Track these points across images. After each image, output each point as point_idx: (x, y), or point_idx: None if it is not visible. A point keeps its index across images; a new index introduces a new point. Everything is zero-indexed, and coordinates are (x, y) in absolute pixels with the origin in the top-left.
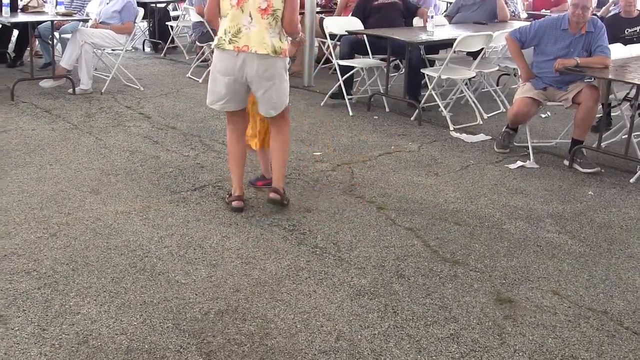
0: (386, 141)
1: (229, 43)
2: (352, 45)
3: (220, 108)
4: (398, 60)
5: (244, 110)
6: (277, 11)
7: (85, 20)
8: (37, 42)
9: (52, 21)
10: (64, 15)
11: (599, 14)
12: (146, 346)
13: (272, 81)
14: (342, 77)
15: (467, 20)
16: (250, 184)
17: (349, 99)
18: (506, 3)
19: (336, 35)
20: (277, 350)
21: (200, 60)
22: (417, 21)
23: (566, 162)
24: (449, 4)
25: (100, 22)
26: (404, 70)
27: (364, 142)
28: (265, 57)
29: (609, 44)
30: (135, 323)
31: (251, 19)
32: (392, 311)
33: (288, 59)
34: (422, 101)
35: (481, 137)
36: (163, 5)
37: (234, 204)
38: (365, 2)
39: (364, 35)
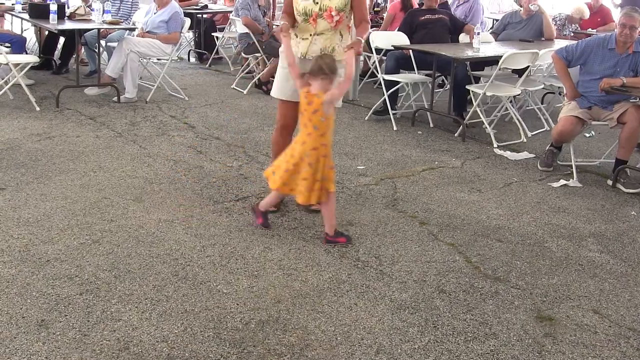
0: (430, 156)
1: None
2: (398, 60)
3: None
4: (443, 77)
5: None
6: None
7: (132, 29)
8: (83, 50)
9: (98, 29)
10: (110, 23)
11: None
12: (187, 354)
13: None
14: (387, 92)
15: (513, 37)
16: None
17: (393, 114)
18: (563, 26)
19: (382, 49)
20: None
21: (245, 71)
22: (463, 37)
23: (609, 182)
24: (495, 21)
25: (146, 32)
26: (448, 86)
27: (408, 157)
28: None
29: None
30: (176, 331)
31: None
32: (432, 326)
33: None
34: (467, 118)
35: (525, 154)
36: (209, 15)
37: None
38: (412, 17)
39: (410, 51)
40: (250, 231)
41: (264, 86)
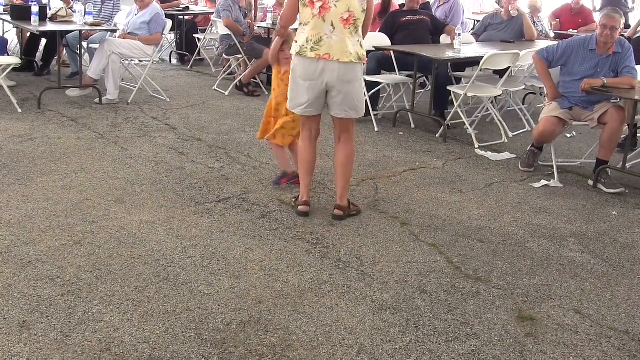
0: (411, 157)
1: (311, 51)
2: (379, 61)
3: (301, 112)
4: (424, 78)
5: (320, 116)
6: (358, 21)
7: (114, 31)
8: (64, 52)
9: (80, 31)
10: (92, 25)
11: (626, 34)
12: (168, 355)
13: (353, 84)
14: (368, 93)
15: (494, 38)
16: (274, 184)
17: (374, 115)
18: (534, 23)
19: None
20: None
21: (226, 73)
22: (444, 38)
23: (591, 182)
24: (476, 22)
25: (128, 33)
26: (430, 87)
27: (389, 158)
28: (348, 64)
29: (636, 64)
30: (157, 332)
31: (333, 28)
32: (413, 326)
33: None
34: (448, 118)
35: (506, 155)
36: (190, 17)
37: (301, 208)
38: (394, 19)
39: (391, 52)
40: (232, 232)
41: (245, 88)
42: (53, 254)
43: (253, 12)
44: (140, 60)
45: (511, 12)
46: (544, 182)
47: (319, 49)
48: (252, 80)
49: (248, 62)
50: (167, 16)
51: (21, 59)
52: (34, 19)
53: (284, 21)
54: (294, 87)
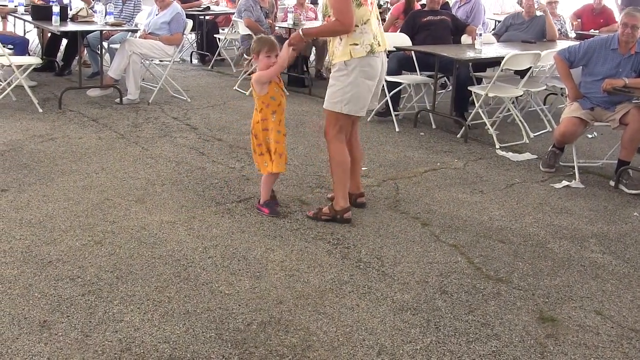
0: (432, 158)
1: (378, 45)
2: (400, 62)
3: (364, 113)
4: (445, 78)
5: None
6: None
7: (134, 31)
8: (85, 52)
9: (101, 31)
10: (113, 25)
11: None
12: (188, 355)
13: None
14: (389, 93)
15: (516, 38)
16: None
17: (395, 115)
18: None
19: None
20: None
21: (247, 73)
22: (465, 38)
23: (612, 183)
24: (497, 22)
25: (149, 33)
26: (450, 87)
27: (410, 158)
28: None
29: None
30: (178, 332)
31: (378, 21)
32: (434, 327)
33: None
34: (469, 119)
35: (527, 156)
36: (211, 17)
37: (347, 215)
38: (414, 19)
39: (412, 52)
40: (252, 232)
41: None
42: (74, 253)
43: (274, 12)
44: (160, 60)
45: (537, 11)
46: (565, 182)
47: (380, 43)
48: None
49: None
50: (188, 16)
51: (42, 59)
52: (55, 19)
53: (351, 26)
54: (357, 90)
